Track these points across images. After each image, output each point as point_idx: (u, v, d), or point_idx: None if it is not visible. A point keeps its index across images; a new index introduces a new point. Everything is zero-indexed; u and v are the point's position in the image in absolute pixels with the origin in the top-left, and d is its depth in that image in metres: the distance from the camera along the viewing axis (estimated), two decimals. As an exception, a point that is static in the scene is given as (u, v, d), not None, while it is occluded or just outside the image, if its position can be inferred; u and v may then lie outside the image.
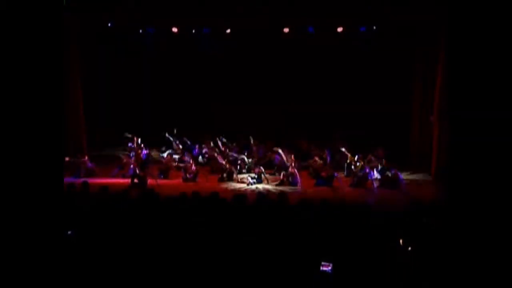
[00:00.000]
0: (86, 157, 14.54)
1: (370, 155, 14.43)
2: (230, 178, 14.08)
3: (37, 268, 5.17)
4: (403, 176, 13.69)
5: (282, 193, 8.04)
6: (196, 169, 14.15)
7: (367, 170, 13.47)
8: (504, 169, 5.45)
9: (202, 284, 5.61)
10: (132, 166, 13.55)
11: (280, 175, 13.79)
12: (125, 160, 14.43)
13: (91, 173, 14.15)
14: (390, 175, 13.37)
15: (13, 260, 5.12)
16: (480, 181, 5.56)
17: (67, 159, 13.81)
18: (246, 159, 14.94)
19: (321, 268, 5.39)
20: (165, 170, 14.42)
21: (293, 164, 13.77)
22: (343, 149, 14.69)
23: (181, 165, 14.56)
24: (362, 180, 13.46)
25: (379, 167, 13.72)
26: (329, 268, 5.38)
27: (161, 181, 13.66)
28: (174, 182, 13.82)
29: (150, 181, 13.18)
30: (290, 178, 13.49)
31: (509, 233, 5.32)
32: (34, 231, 5.20)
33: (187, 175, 13.95)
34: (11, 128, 5.23)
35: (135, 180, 13.05)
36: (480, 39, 5.56)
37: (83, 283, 5.66)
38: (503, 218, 5.36)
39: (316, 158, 14.53)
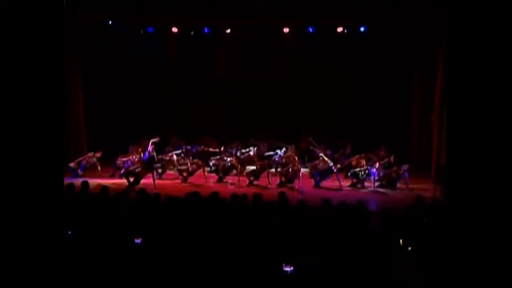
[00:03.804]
0: (92, 153, 14.62)
1: (370, 154, 14.39)
2: (226, 174, 14.09)
3: (37, 268, 5.17)
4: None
5: (282, 193, 8.02)
6: (193, 168, 14.12)
7: (369, 171, 13.47)
8: (504, 169, 5.45)
9: (203, 283, 5.61)
10: (125, 165, 13.53)
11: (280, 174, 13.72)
12: (120, 160, 14.38)
13: (93, 168, 14.24)
14: (392, 174, 13.35)
15: (13, 260, 5.12)
16: (479, 181, 5.56)
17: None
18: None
19: (284, 268, 5.44)
20: (163, 168, 14.41)
21: (296, 161, 13.70)
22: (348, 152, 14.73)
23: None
24: (361, 180, 13.48)
25: (377, 166, 13.64)
26: (291, 269, 5.43)
27: (162, 181, 13.69)
28: (174, 182, 13.84)
29: (146, 180, 13.14)
30: (289, 176, 13.42)
31: (509, 233, 5.32)
32: (34, 231, 5.20)
33: (184, 174, 13.94)
34: (11, 128, 5.23)
35: (131, 179, 12.98)
36: (480, 40, 5.57)
37: (82, 283, 5.66)
38: (503, 217, 5.36)
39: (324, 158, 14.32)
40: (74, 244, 6.31)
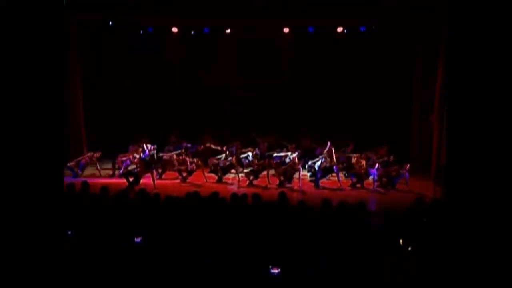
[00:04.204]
0: (91, 153, 14.62)
1: (370, 153, 14.38)
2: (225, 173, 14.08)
3: (37, 268, 5.17)
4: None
5: (282, 193, 8.03)
6: (192, 167, 14.10)
7: (368, 171, 13.47)
8: (504, 169, 5.44)
9: (203, 283, 5.61)
10: (124, 165, 13.53)
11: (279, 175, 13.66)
12: (119, 159, 14.38)
13: (92, 168, 14.30)
14: (392, 173, 13.33)
15: (13, 260, 5.12)
16: (479, 181, 5.56)
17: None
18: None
19: (270, 270, 5.42)
20: (163, 168, 14.39)
21: (296, 161, 13.66)
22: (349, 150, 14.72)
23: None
24: (361, 179, 13.47)
25: (377, 167, 13.61)
26: (278, 271, 5.42)
27: (162, 181, 13.70)
28: (174, 182, 13.84)
29: (146, 180, 13.14)
30: (287, 174, 13.39)
31: (509, 232, 5.31)
32: (34, 231, 5.20)
33: (183, 174, 13.93)
34: (11, 128, 5.23)
35: (130, 179, 12.98)
36: (480, 40, 5.56)
37: (82, 283, 5.66)
38: (503, 217, 5.36)
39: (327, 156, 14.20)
40: (74, 244, 6.31)
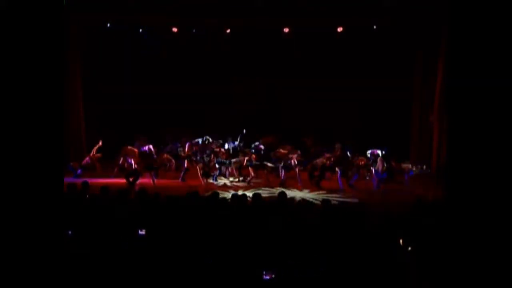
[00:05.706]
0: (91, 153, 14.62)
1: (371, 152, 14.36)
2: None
3: (36, 268, 5.17)
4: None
5: (282, 192, 8.03)
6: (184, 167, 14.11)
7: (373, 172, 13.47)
8: (504, 169, 5.45)
9: (202, 283, 5.61)
10: (124, 165, 13.54)
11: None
12: (121, 160, 14.37)
13: (92, 168, 14.31)
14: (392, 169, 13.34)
15: (13, 260, 5.12)
16: (480, 180, 5.56)
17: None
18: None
19: (264, 276, 5.40)
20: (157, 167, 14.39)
21: (295, 162, 13.65)
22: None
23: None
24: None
25: (380, 168, 13.58)
26: (271, 276, 5.40)
27: (162, 181, 13.70)
28: (174, 182, 13.84)
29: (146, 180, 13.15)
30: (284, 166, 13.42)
31: (509, 232, 5.32)
32: (34, 231, 5.20)
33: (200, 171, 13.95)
34: (11, 128, 5.24)
35: (130, 179, 12.98)
36: (480, 40, 5.57)
37: (82, 283, 5.66)
38: (503, 217, 5.36)
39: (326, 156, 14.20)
40: (74, 244, 6.32)
